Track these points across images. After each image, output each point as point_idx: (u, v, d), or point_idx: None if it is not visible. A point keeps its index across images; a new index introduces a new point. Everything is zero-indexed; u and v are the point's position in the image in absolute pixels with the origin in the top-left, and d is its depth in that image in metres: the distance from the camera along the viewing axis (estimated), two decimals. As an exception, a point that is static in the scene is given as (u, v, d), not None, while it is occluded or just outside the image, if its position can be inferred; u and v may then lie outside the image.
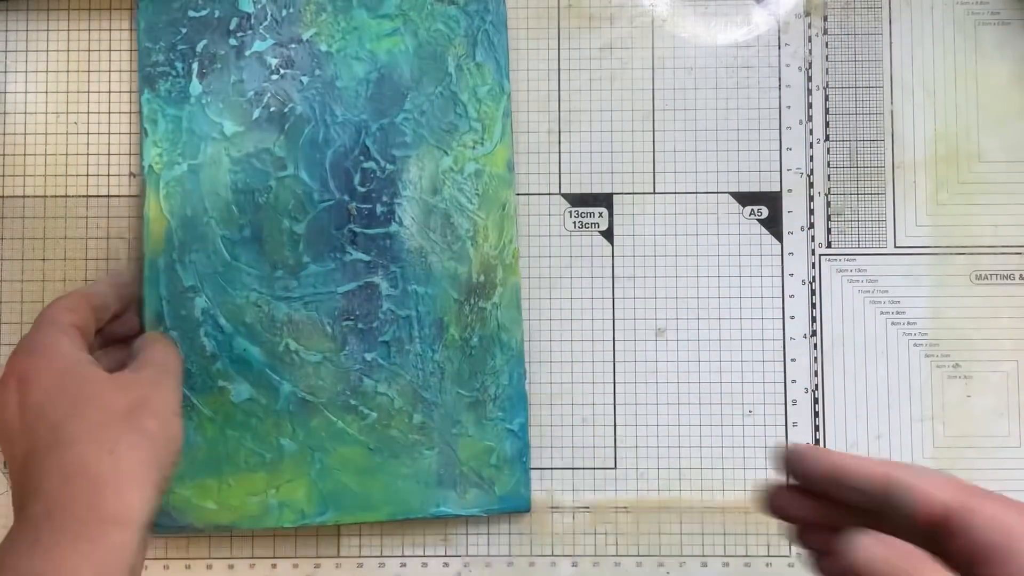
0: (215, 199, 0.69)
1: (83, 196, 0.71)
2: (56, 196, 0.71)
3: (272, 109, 0.69)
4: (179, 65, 0.69)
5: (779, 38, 0.72)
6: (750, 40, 0.72)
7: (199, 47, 0.69)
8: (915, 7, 0.72)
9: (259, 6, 0.69)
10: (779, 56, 0.72)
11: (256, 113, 0.69)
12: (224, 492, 0.68)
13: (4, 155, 0.71)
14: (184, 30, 0.69)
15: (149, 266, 0.68)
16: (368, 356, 0.69)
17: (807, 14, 0.72)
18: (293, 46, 0.69)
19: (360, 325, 0.69)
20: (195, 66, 0.69)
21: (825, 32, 0.72)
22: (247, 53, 0.69)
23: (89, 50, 0.71)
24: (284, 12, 0.69)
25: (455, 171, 0.69)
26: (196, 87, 0.69)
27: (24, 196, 0.71)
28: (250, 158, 0.69)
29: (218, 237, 0.69)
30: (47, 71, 0.72)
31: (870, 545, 0.44)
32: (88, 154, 0.71)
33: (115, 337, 0.66)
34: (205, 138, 0.69)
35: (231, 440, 0.68)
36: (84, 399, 0.55)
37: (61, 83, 0.71)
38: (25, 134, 0.71)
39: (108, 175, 0.71)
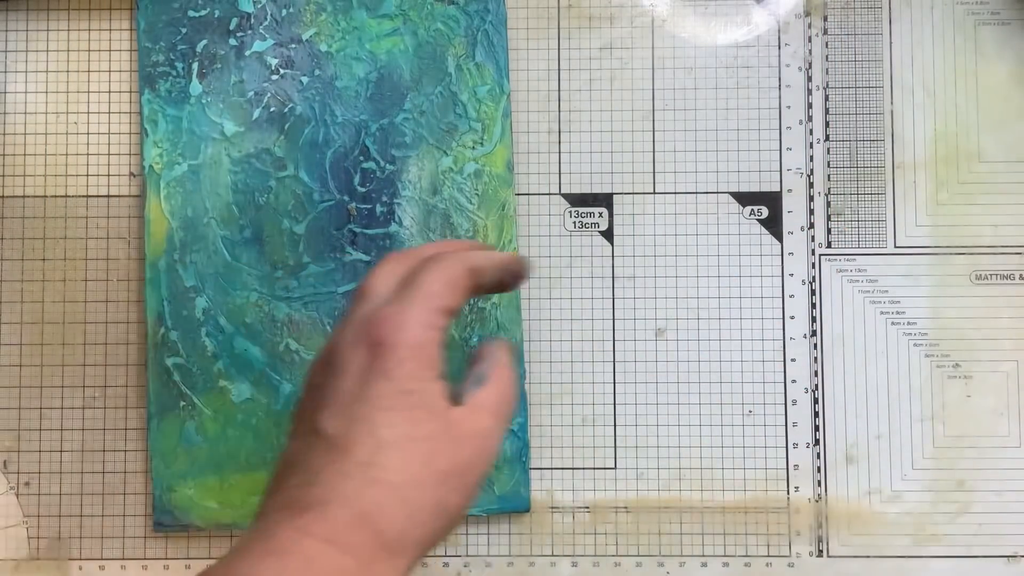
0: (215, 199, 0.69)
1: (83, 196, 0.71)
2: (56, 196, 0.71)
3: (272, 109, 0.69)
4: (179, 65, 0.69)
5: (779, 38, 0.72)
6: (750, 40, 0.72)
7: (199, 47, 0.69)
8: (915, 7, 0.72)
9: (259, 6, 0.70)
10: (779, 56, 0.72)
11: (256, 113, 0.69)
12: (226, 491, 0.68)
13: (4, 155, 0.71)
14: (184, 30, 0.69)
15: (150, 267, 0.69)
16: (368, 356, 0.69)
17: (807, 14, 0.72)
18: (293, 46, 0.70)
19: (360, 325, 0.69)
20: (195, 66, 0.69)
21: (825, 32, 0.72)
22: (247, 53, 0.69)
23: (89, 50, 0.71)
24: (284, 12, 0.69)
25: (455, 171, 0.69)
26: (196, 87, 0.69)
27: (24, 196, 0.71)
28: (250, 158, 0.69)
29: (219, 237, 0.69)
30: (47, 71, 0.72)
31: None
32: (88, 154, 0.71)
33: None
34: (205, 138, 0.69)
35: (232, 439, 0.68)
36: (409, 436, 0.48)
37: (61, 83, 0.71)
38: (25, 134, 0.71)
39: (108, 175, 0.71)
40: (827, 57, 0.72)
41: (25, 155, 0.71)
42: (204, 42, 0.69)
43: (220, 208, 0.69)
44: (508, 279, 0.57)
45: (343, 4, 0.70)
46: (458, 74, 0.70)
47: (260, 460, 0.68)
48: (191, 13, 0.70)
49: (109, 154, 0.71)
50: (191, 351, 0.68)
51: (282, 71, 0.69)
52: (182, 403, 0.68)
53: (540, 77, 0.72)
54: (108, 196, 0.71)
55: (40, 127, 0.71)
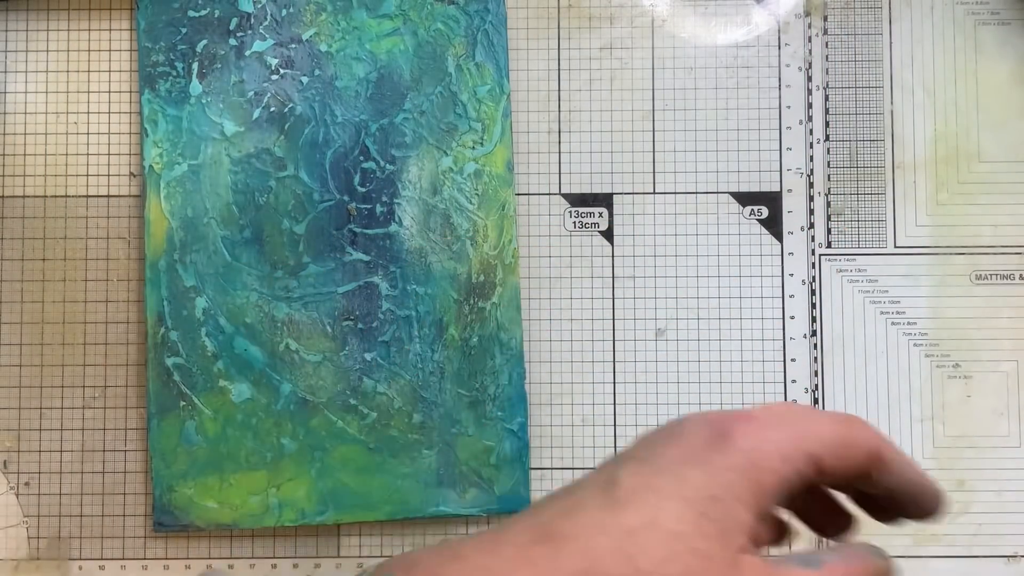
0: (215, 199, 0.69)
1: (83, 196, 0.71)
2: (56, 196, 0.71)
3: (272, 109, 0.69)
4: (179, 65, 0.69)
5: (779, 38, 0.72)
6: (750, 40, 0.72)
7: (199, 47, 0.69)
8: (915, 7, 0.72)
9: (259, 6, 0.70)
10: (779, 56, 0.72)
11: (256, 113, 0.69)
12: (225, 491, 0.68)
13: (4, 155, 0.71)
14: (184, 30, 0.69)
15: (150, 267, 0.69)
16: (368, 356, 0.69)
17: (807, 14, 0.72)
18: (293, 46, 0.70)
19: (360, 325, 0.69)
20: (195, 66, 0.69)
21: (825, 32, 0.72)
22: (247, 53, 0.69)
23: (89, 50, 0.71)
24: (284, 12, 0.69)
25: (455, 171, 0.69)
26: (196, 87, 0.69)
27: (24, 196, 0.71)
28: (250, 158, 0.69)
29: (219, 237, 0.69)
30: (47, 71, 0.72)
31: None
32: (88, 154, 0.71)
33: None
34: (205, 138, 0.69)
35: (232, 439, 0.68)
36: (681, 537, 0.40)
37: (61, 83, 0.71)
38: (25, 134, 0.71)
39: (108, 175, 0.71)
40: (827, 57, 0.72)
41: (25, 155, 0.71)
42: (204, 42, 0.69)
43: (220, 208, 0.69)
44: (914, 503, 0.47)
45: (343, 4, 0.70)
46: (458, 74, 0.70)
47: (260, 460, 0.68)
48: (191, 13, 0.70)
49: (109, 154, 0.71)
50: (191, 351, 0.68)
51: (282, 71, 0.69)
52: (182, 403, 0.68)
53: (540, 77, 0.72)
54: (108, 196, 0.71)
55: (40, 127, 0.71)
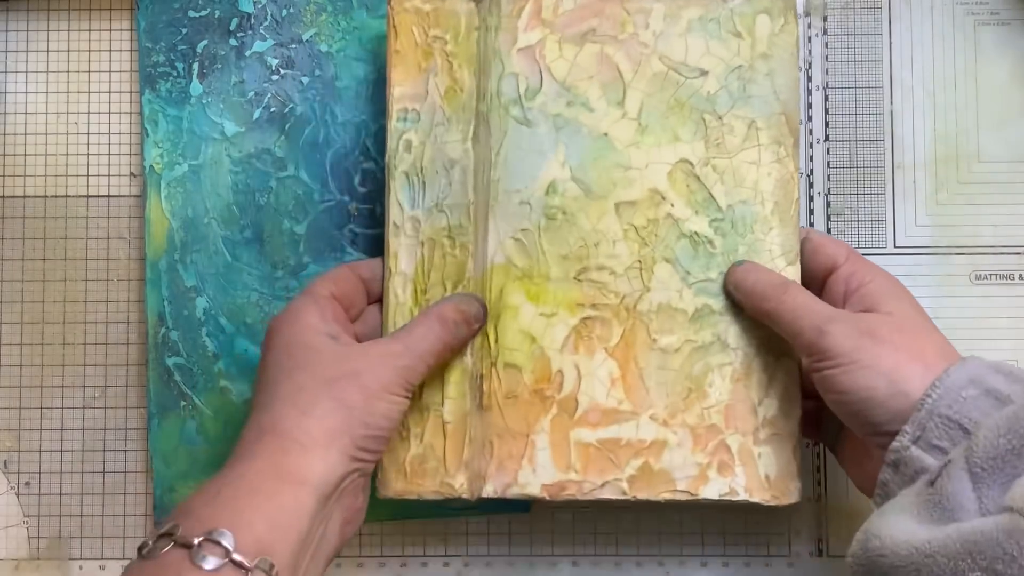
0: (216, 200, 0.69)
1: (83, 196, 0.71)
2: (56, 196, 0.71)
3: (272, 109, 0.69)
4: (180, 65, 0.69)
5: (779, 38, 0.72)
6: (750, 40, 0.72)
7: (199, 47, 0.69)
8: (915, 7, 0.72)
9: (259, 6, 0.70)
10: (779, 56, 0.72)
11: (257, 113, 0.69)
12: (226, 491, 0.68)
13: (4, 155, 0.71)
14: (184, 30, 0.69)
15: (151, 267, 0.69)
16: (368, 355, 0.69)
17: (807, 14, 0.72)
18: (293, 46, 0.70)
19: (360, 325, 0.69)
20: (195, 66, 0.69)
21: (825, 32, 0.72)
22: (247, 53, 0.69)
23: (89, 50, 0.71)
24: (284, 12, 0.69)
25: (454, 170, 0.69)
26: (197, 87, 0.69)
27: (24, 196, 0.71)
28: (251, 158, 0.69)
29: (219, 237, 0.69)
30: (47, 71, 0.72)
31: (746, 268, 0.61)
32: (88, 154, 0.71)
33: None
34: (206, 139, 0.69)
35: (233, 439, 0.67)
36: (301, 365, 0.56)
37: (61, 83, 0.72)
38: (25, 134, 0.71)
39: (108, 175, 0.71)
40: (827, 57, 0.72)
41: (26, 155, 0.71)
42: (204, 42, 0.69)
43: (221, 208, 0.69)
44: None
45: (343, 4, 0.70)
46: (457, 73, 0.70)
47: (261, 460, 0.68)
48: (191, 13, 0.70)
49: (109, 154, 0.71)
50: (192, 351, 0.69)
51: (282, 71, 0.69)
52: (183, 403, 0.68)
53: (540, 77, 0.72)
54: (108, 196, 0.71)
55: (41, 127, 0.71)
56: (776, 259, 0.63)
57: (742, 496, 0.62)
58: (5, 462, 0.70)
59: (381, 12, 0.69)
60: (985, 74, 0.72)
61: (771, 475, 0.62)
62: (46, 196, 0.71)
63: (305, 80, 0.69)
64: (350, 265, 0.64)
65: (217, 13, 0.69)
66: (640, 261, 0.63)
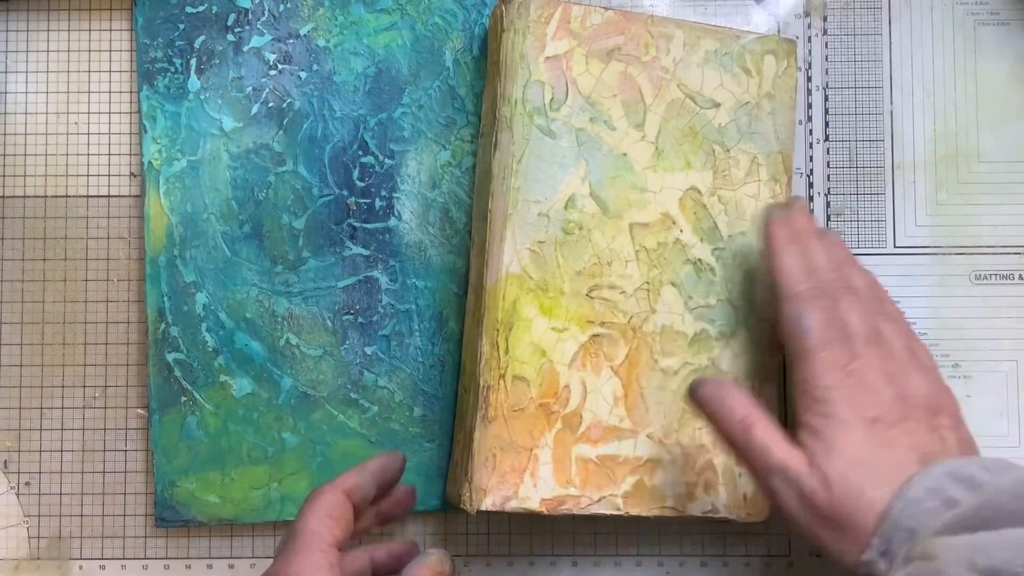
0: (215, 195, 0.69)
1: (83, 196, 0.71)
2: (56, 196, 0.71)
3: (271, 105, 0.69)
4: (177, 61, 0.70)
5: (778, 37, 0.72)
6: (749, 39, 0.72)
7: (197, 43, 0.70)
8: (915, 7, 0.72)
9: (256, 2, 0.70)
10: (778, 55, 0.72)
11: (255, 109, 0.69)
12: (227, 485, 0.68)
13: (4, 155, 0.71)
14: (182, 26, 0.70)
15: (150, 263, 0.69)
16: (368, 350, 0.69)
17: (807, 14, 0.73)
18: (291, 41, 0.70)
19: (360, 319, 0.69)
20: (193, 62, 0.70)
21: (825, 32, 0.72)
22: (245, 49, 0.70)
23: (89, 50, 0.72)
24: (282, 7, 0.70)
25: (453, 165, 0.69)
26: (195, 83, 0.69)
27: (24, 196, 0.71)
28: (249, 154, 0.69)
29: (218, 233, 0.69)
30: (47, 71, 0.72)
31: (706, 385, 0.58)
32: (88, 154, 0.71)
33: (388, 517, 0.65)
34: (204, 134, 0.69)
35: (233, 434, 0.68)
36: None
37: (61, 83, 0.72)
38: (25, 134, 0.71)
39: (108, 175, 0.71)
40: (827, 57, 0.72)
41: (25, 155, 0.71)
42: (202, 38, 0.70)
43: (219, 204, 0.69)
44: (387, 483, 0.63)
45: (340, -1, 0.70)
46: (456, 68, 0.70)
47: (261, 455, 0.68)
48: (189, 9, 0.70)
49: (109, 154, 0.71)
50: (192, 346, 0.69)
51: (280, 66, 0.70)
52: (183, 398, 0.68)
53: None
54: (108, 196, 0.71)
55: (40, 127, 0.71)
56: None
57: (722, 513, 0.65)
58: (5, 462, 0.70)
59: (379, 7, 0.70)
60: (985, 74, 0.72)
61: (748, 494, 0.65)
62: (46, 196, 0.71)
63: (303, 75, 0.70)
64: (343, 487, 0.59)
65: (214, 9, 0.70)
66: (648, 283, 0.65)
